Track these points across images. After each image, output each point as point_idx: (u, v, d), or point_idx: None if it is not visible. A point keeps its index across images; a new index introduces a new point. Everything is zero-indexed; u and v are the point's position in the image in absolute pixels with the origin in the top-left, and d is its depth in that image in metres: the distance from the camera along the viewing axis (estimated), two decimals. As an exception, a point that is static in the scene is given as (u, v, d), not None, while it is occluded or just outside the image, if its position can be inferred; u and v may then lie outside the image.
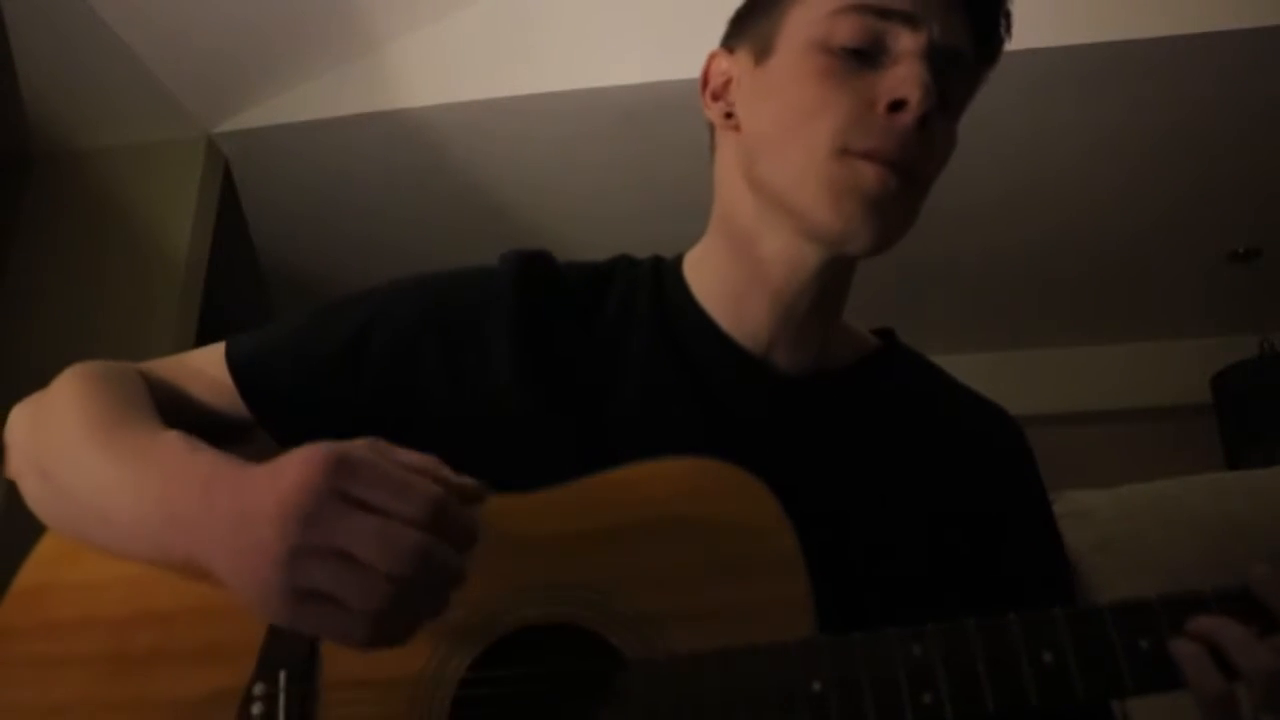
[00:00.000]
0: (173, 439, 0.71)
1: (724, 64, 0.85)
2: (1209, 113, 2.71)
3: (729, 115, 0.83)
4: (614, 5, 2.50)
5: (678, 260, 0.89)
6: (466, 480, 0.63)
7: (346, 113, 2.63)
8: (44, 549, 0.79)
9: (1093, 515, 1.72)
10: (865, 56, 0.76)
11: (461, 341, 0.82)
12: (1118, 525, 1.69)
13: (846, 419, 0.83)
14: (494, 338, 0.82)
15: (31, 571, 0.78)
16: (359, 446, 0.62)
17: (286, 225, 3.04)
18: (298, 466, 0.60)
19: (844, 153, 0.74)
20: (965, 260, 3.34)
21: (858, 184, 0.73)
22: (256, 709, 0.68)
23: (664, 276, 0.87)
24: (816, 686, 0.62)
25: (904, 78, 0.74)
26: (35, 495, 0.77)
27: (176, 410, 0.81)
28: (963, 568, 0.79)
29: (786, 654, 0.64)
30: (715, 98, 0.85)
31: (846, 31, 0.76)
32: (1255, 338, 3.33)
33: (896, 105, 0.73)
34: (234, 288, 3.01)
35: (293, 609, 0.59)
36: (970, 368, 0.93)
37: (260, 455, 0.76)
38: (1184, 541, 1.61)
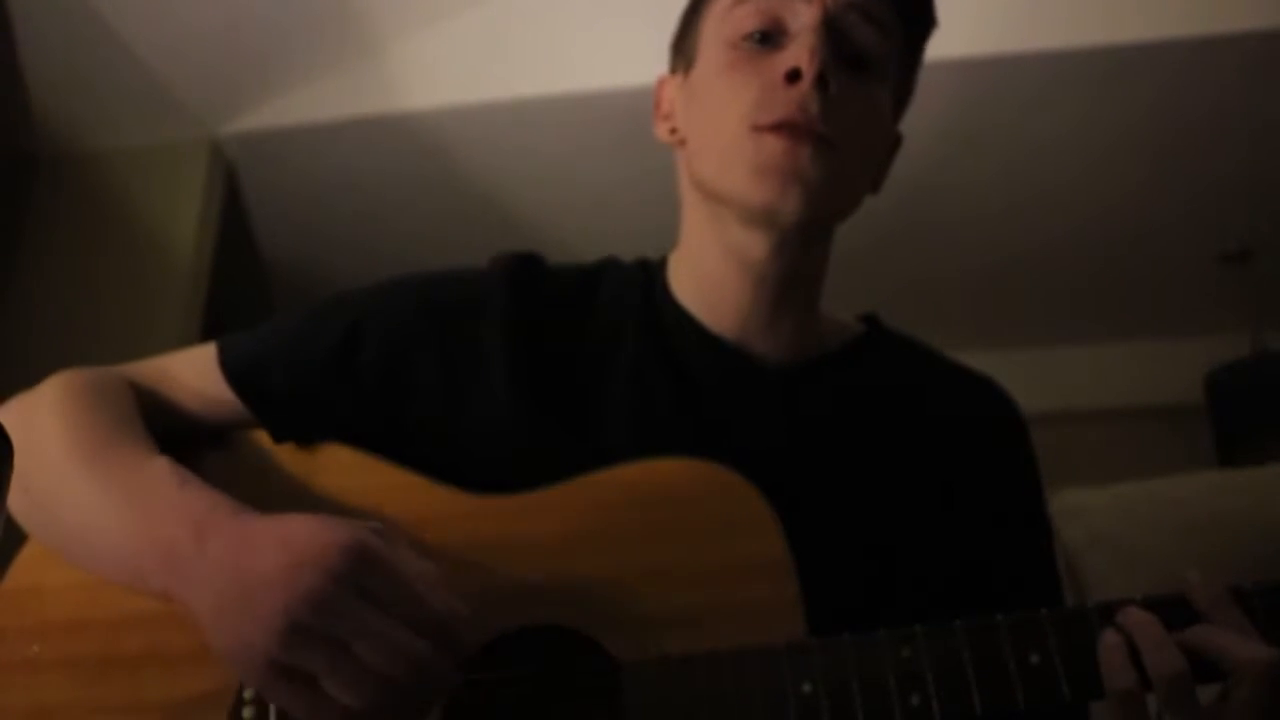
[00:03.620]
0: (162, 468, 0.72)
1: (669, 88, 0.90)
2: (1206, 115, 2.72)
3: (674, 131, 0.88)
4: (620, 7, 2.48)
5: (662, 261, 0.90)
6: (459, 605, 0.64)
7: (351, 115, 2.63)
8: (31, 550, 0.78)
9: (1087, 513, 1.74)
10: (770, 39, 0.80)
11: (455, 343, 0.83)
12: (1111, 523, 1.71)
13: (832, 408, 0.84)
14: (489, 340, 0.82)
15: (19, 573, 0.78)
16: (374, 535, 0.62)
17: (291, 227, 3.04)
18: (315, 544, 0.61)
19: (754, 130, 0.77)
20: (962, 261, 3.37)
21: (771, 157, 0.76)
22: (248, 712, 0.68)
23: (649, 278, 0.89)
24: (807, 688, 0.63)
25: (797, 49, 0.77)
26: (16, 507, 0.77)
27: (164, 417, 0.82)
28: (951, 558, 0.80)
29: (777, 656, 0.65)
30: (665, 119, 0.90)
31: (746, 19, 0.81)
32: (1247, 338, 3.35)
33: (793, 75, 0.77)
34: (238, 290, 3.02)
35: (268, 680, 0.60)
36: (965, 366, 0.93)
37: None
38: (1177, 539, 1.63)
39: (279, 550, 0.62)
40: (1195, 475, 1.89)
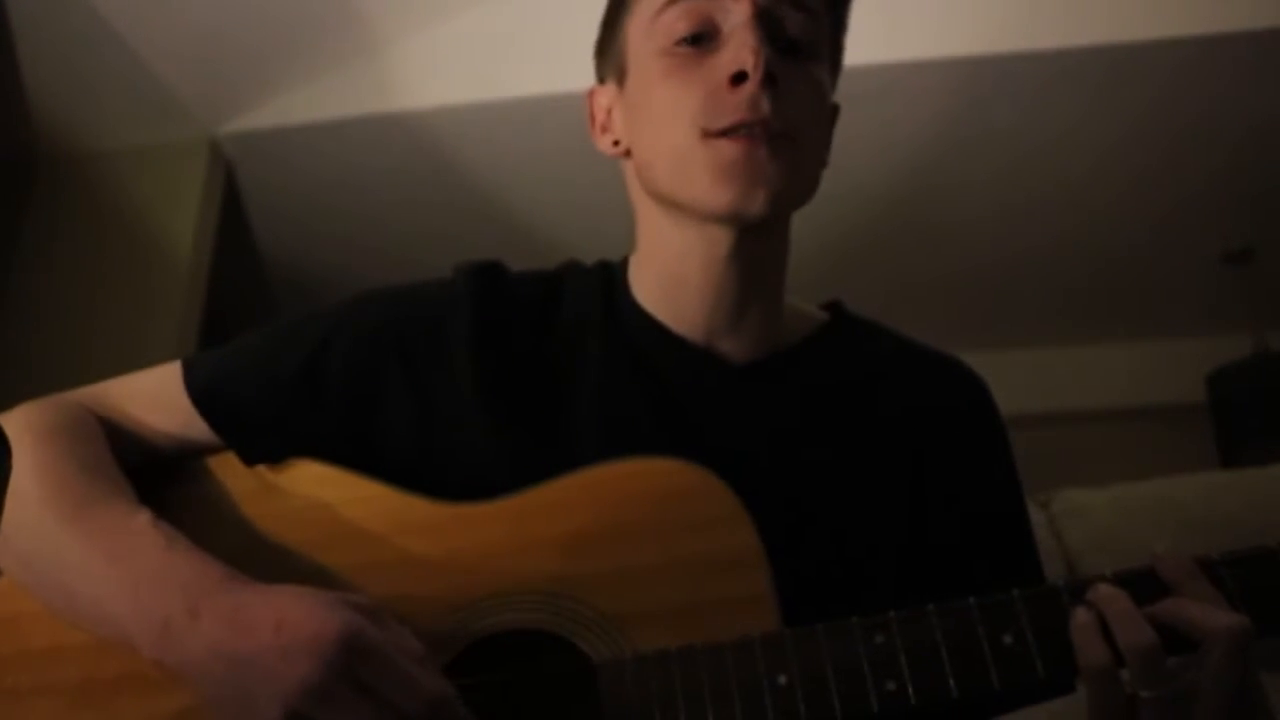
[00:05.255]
0: (145, 526, 0.72)
1: (602, 98, 0.88)
2: (1207, 115, 2.73)
3: (616, 143, 0.87)
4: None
5: (623, 263, 0.90)
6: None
7: (350, 114, 2.64)
8: (6, 581, 0.78)
9: (1089, 514, 1.74)
10: (702, 40, 0.79)
11: (421, 356, 0.82)
12: (1114, 524, 1.71)
13: (800, 402, 0.83)
14: (454, 351, 0.82)
15: None
16: (368, 623, 0.64)
17: (289, 227, 3.05)
18: (308, 629, 0.63)
19: (705, 136, 0.77)
20: (962, 261, 3.37)
21: (730, 163, 0.76)
22: None
23: (611, 280, 0.88)
24: (782, 680, 0.64)
25: (737, 49, 0.77)
26: None
27: (131, 446, 0.82)
28: (927, 544, 0.80)
29: (751, 649, 0.65)
30: (604, 131, 0.88)
31: (676, 24, 0.79)
32: (1249, 338, 3.36)
33: (738, 78, 0.76)
34: (237, 290, 3.03)
35: None
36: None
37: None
38: (1179, 540, 1.62)
39: (273, 633, 0.63)
40: (1196, 476, 1.88)
